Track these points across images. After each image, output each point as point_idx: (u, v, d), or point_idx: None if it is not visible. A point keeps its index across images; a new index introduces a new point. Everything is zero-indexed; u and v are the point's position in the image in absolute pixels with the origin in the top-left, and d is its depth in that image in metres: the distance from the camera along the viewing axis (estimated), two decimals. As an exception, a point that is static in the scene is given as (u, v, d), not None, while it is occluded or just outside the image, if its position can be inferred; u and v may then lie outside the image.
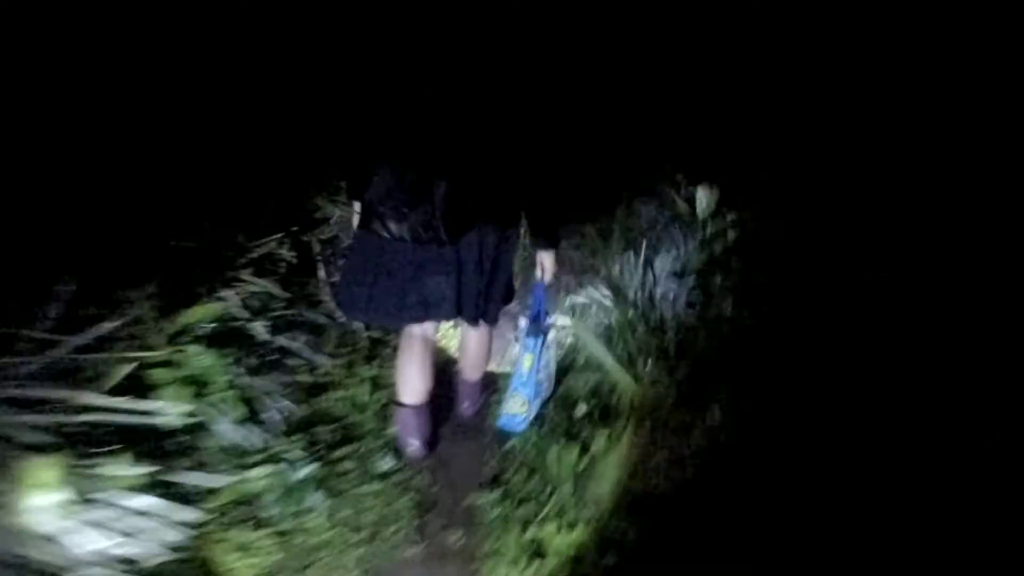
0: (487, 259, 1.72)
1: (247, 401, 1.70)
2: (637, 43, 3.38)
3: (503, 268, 1.82)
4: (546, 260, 1.81)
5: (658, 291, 2.90)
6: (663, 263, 2.94)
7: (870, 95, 2.77)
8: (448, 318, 1.82)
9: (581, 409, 2.15)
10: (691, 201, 3.50)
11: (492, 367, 2.33)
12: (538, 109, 1.58)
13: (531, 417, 2.02)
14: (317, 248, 2.40)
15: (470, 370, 2.25)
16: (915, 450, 1.41)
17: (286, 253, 2.27)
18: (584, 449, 1.89)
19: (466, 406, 2.36)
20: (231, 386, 1.64)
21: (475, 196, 1.57)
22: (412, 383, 1.96)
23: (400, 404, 2.02)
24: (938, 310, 1.78)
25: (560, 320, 2.19)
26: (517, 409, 1.98)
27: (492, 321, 1.89)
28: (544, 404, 2.09)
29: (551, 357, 2.04)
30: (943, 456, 1.37)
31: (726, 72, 3.35)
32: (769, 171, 3.24)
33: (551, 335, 2.00)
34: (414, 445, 2.06)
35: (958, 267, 1.92)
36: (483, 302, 1.80)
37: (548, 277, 1.84)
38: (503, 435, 2.15)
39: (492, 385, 2.40)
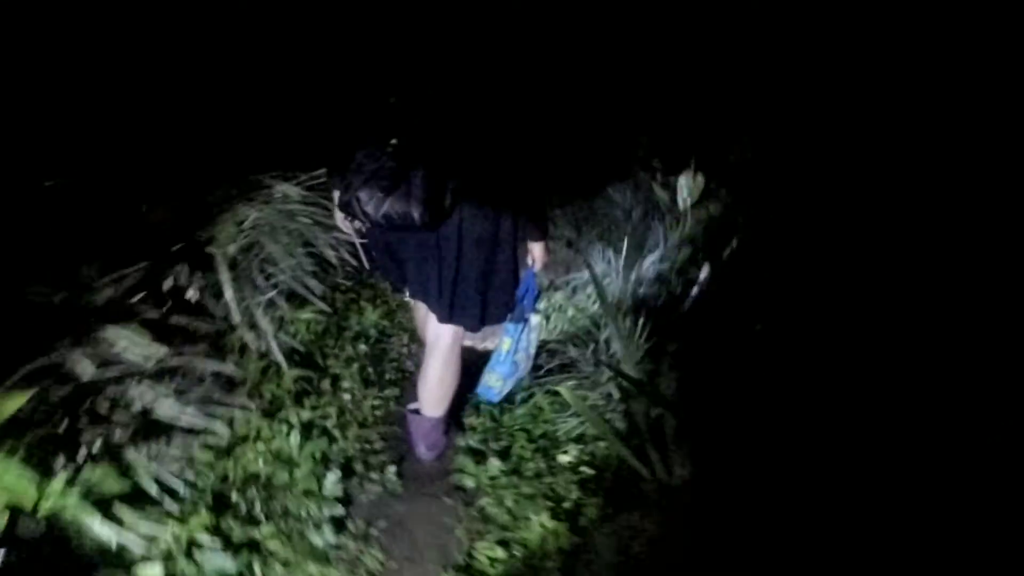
0: (468, 249, 1.65)
1: (98, 500, 1.23)
2: (615, 29, 3.09)
3: (495, 274, 1.72)
4: (536, 249, 1.78)
5: (641, 292, 2.56)
6: (643, 267, 2.57)
7: (858, 80, 2.50)
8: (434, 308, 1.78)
9: (564, 458, 1.76)
10: (669, 188, 3.16)
11: (472, 343, 2.22)
12: (516, 93, 1.56)
13: (505, 392, 2.06)
14: (224, 265, 1.88)
15: (430, 404, 1.91)
16: (910, 455, 1.34)
17: (184, 276, 1.75)
18: (570, 517, 1.50)
19: (423, 450, 1.98)
20: (72, 484, 1.17)
21: (454, 182, 1.53)
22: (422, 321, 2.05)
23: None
24: (938, 316, 1.65)
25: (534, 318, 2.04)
26: (493, 383, 2.03)
27: (468, 326, 1.79)
28: (520, 381, 2.12)
29: (532, 340, 2.05)
30: (937, 465, 1.30)
31: (708, 56, 3.06)
32: (754, 156, 2.94)
33: (533, 320, 2.00)
34: None
35: (953, 264, 1.77)
36: (451, 300, 1.70)
37: (539, 266, 1.82)
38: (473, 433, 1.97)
39: (455, 426, 1.99)
